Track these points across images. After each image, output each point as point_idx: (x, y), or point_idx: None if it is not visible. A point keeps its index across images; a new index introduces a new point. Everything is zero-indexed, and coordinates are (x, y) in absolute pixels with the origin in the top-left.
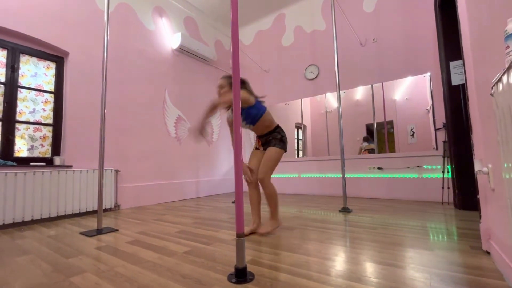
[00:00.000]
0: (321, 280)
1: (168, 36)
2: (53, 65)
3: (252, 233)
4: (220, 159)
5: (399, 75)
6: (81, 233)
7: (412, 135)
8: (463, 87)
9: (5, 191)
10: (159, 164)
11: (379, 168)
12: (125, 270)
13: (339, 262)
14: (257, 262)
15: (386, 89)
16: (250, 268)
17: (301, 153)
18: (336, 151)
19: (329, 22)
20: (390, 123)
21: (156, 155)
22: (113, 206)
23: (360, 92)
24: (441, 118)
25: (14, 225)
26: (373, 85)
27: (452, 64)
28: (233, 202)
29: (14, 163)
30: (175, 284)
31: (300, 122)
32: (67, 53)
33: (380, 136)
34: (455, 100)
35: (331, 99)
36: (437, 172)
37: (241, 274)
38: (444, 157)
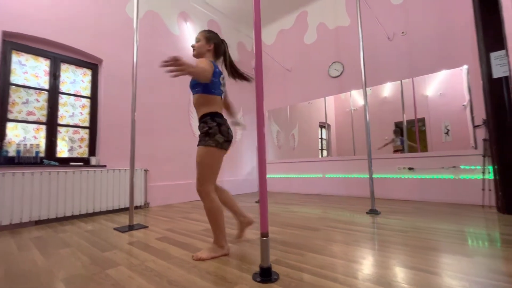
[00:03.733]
0: (347, 283)
1: (192, 39)
2: (89, 72)
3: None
4: (243, 159)
5: (431, 70)
6: (115, 229)
7: (447, 133)
8: (506, 80)
9: (49, 189)
10: (185, 163)
11: (410, 169)
12: (155, 265)
13: (367, 265)
14: (281, 262)
15: (417, 84)
16: (275, 268)
17: (325, 152)
18: (362, 150)
19: (354, 17)
20: (422, 120)
21: (182, 155)
22: (143, 204)
23: (388, 89)
24: (481, 114)
25: (57, 220)
26: (402, 81)
27: (493, 55)
28: (256, 202)
29: (57, 163)
30: (201, 280)
31: (324, 121)
32: (101, 60)
33: (410, 135)
34: (497, 94)
35: (356, 97)
36: (477, 172)
37: (266, 273)
38: (484, 156)
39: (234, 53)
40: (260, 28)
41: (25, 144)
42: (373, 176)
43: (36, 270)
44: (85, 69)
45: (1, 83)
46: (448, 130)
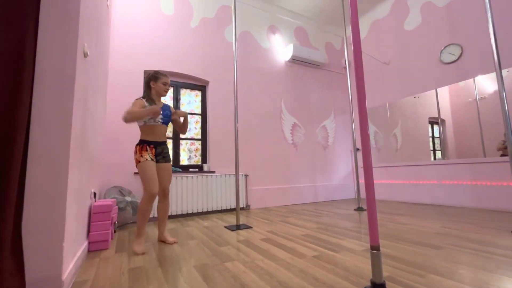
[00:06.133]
0: None
1: (281, 49)
2: (199, 93)
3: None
4: (337, 164)
5: None
6: (225, 227)
7: None
8: None
9: (176, 190)
10: (280, 168)
11: None
12: (264, 264)
13: None
14: (396, 280)
15: None
16: (389, 286)
17: (439, 154)
18: (495, 150)
19: None
20: None
21: (277, 160)
22: (245, 206)
23: None
24: None
25: (182, 216)
26: None
27: None
28: (355, 210)
29: (180, 170)
30: (309, 286)
31: (435, 116)
32: (207, 82)
33: None
34: None
35: (482, 83)
36: None
37: None
38: None
39: (322, 55)
40: (357, 20)
41: None
42: None
43: (175, 255)
44: (196, 91)
45: None
46: None
